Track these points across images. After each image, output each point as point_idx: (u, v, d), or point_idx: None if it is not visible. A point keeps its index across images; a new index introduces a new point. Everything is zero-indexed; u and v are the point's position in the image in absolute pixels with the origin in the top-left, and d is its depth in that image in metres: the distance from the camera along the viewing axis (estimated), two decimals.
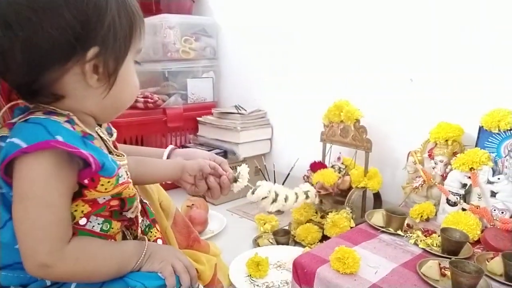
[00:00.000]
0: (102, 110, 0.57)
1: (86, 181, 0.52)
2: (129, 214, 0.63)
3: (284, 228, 1.34)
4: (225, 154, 1.70)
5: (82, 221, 0.55)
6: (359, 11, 1.38)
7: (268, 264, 1.08)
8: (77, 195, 0.53)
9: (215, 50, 1.97)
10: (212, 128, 1.79)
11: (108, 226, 0.58)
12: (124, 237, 0.67)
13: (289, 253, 1.12)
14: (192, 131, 1.90)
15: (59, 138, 0.49)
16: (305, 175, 1.38)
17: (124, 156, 0.64)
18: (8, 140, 0.50)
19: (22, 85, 0.53)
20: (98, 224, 0.57)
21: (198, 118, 1.86)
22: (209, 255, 0.95)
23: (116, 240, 0.61)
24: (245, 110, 1.73)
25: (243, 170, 0.86)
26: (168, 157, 0.86)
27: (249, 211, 1.56)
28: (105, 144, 0.61)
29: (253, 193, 0.95)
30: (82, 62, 0.51)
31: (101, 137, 0.60)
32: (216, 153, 1.69)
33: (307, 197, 1.15)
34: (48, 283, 0.55)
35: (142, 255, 0.59)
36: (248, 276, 1.06)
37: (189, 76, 1.89)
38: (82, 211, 0.54)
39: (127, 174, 0.60)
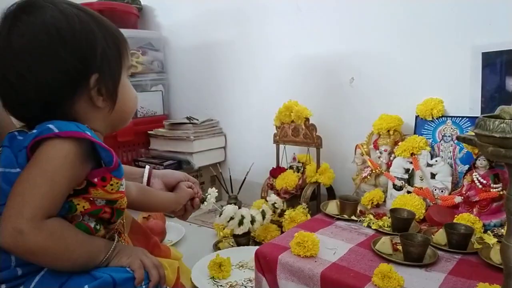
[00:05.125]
0: (110, 123, 0.64)
1: (95, 180, 0.55)
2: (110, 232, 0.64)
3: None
4: (179, 164, 1.69)
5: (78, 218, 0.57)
6: (302, 17, 1.47)
7: (230, 264, 1.08)
8: (81, 192, 0.55)
9: (163, 63, 1.97)
10: (164, 140, 1.78)
11: (99, 227, 0.59)
12: None
13: (250, 253, 1.12)
14: (143, 145, 1.87)
15: (88, 133, 0.55)
16: (268, 183, 1.41)
17: None
18: (42, 125, 0.54)
19: (38, 116, 0.57)
20: (91, 222, 0.58)
21: (149, 132, 1.83)
22: (171, 259, 0.94)
23: None
24: (197, 120, 1.74)
25: (212, 194, 0.90)
26: (148, 178, 0.87)
27: (208, 220, 1.55)
28: None
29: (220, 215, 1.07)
30: (87, 89, 0.58)
31: None
32: (170, 164, 1.69)
33: (275, 209, 1.22)
34: (19, 272, 0.53)
35: (110, 250, 0.59)
36: (211, 278, 1.05)
37: (138, 90, 1.86)
38: (84, 207, 0.56)
39: None
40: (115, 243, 0.61)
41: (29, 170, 0.53)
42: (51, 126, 0.54)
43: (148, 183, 0.88)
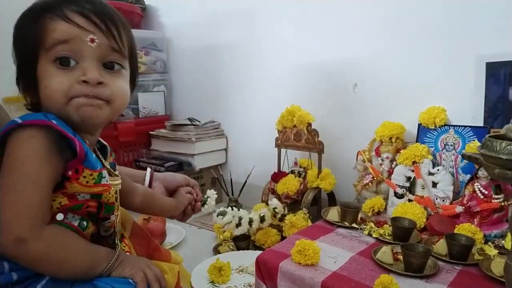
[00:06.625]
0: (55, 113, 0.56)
1: (70, 173, 0.54)
2: (103, 231, 0.63)
3: (244, 233, 1.35)
4: (180, 166, 1.69)
5: (59, 217, 0.55)
6: (307, 22, 1.47)
7: (230, 268, 1.08)
8: (58, 187, 0.54)
9: (166, 64, 1.97)
10: (165, 141, 1.78)
11: (85, 224, 0.58)
12: None
13: (250, 257, 1.12)
14: (144, 145, 1.87)
15: (54, 121, 0.53)
16: (269, 188, 1.41)
17: (118, 177, 0.66)
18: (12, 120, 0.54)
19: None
20: (76, 220, 0.57)
21: (151, 132, 1.83)
22: (171, 263, 0.94)
23: None
24: (199, 122, 1.74)
25: (212, 196, 0.92)
26: (150, 181, 0.89)
27: (207, 222, 1.55)
28: (101, 162, 0.63)
29: (217, 216, 1.08)
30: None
31: (97, 155, 0.63)
32: (171, 166, 1.68)
33: (275, 213, 1.23)
34: (15, 277, 0.53)
35: (113, 260, 0.59)
36: (211, 282, 1.05)
37: (140, 90, 1.86)
38: (60, 203, 0.55)
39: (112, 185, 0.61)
40: (117, 252, 0.61)
41: (10, 177, 0.51)
42: (16, 119, 0.53)
43: (150, 186, 0.89)
